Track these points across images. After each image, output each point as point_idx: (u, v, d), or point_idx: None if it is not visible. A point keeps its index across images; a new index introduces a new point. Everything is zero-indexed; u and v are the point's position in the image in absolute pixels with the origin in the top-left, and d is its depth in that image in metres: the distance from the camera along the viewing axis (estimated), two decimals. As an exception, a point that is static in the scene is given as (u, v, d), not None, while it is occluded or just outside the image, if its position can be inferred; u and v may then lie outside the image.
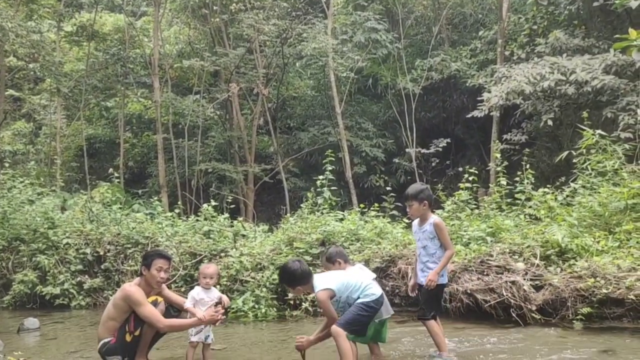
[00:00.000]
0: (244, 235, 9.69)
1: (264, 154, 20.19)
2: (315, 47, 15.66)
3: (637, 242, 6.95)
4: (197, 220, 10.09)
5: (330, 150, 10.17)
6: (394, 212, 11.80)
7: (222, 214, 10.60)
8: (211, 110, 16.65)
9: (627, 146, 8.99)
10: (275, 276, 7.95)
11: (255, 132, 18.55)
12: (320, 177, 9.83)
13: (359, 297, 4.54)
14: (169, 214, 10.77)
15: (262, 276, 7.99)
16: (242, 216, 14.93)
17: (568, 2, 13.92)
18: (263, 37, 15.62)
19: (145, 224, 9.84)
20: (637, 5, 9.70)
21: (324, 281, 4.59)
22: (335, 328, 4.40)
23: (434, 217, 5.15)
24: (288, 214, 11.60)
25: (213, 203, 10.31)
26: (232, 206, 11.13)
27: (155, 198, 12.70)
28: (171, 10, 19.55)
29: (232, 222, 10.10)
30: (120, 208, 10.97)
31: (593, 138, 8.78)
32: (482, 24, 18.59)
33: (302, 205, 10.11)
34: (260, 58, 17.48)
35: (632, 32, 9.22)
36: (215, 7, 16.38)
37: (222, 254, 8.77)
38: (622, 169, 8.48)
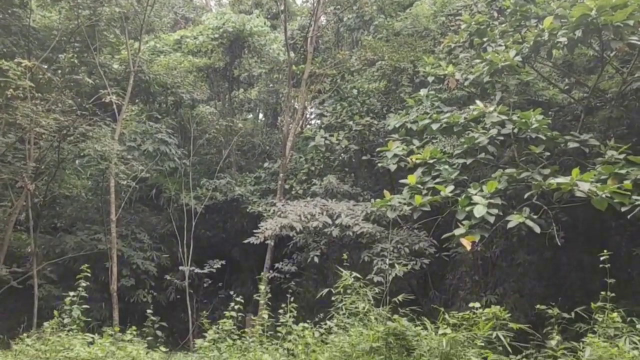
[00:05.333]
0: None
1: (17, 253, 17.78)
2: (98, 149, 14.91)
3: (377, 385, 7.46)
4: None
5: (85, 265, 9.36)
6: (158, 332, 11.12)
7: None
8: (-41, 200, 14.41)
9: (377, 290, 9.93)
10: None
11: (11, 228, 16.39)
12: (72, 293, 8.89)
13: None
14: None
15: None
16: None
17: (342, 150, 15.71)
18: (40, 129, 14.42)
19: None
20: (394, 168, 11.43)
21: None
22: None
23: None
24: (34, 322, 10.15)
25: None
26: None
27: None
28: None
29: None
30: None
31: (349, 280, 9.53)
32: (269, 155, 19.89)
33: (45, 323, 8.91)
34: (33, 150, 15.98)
35: (387, 194, 10.70)
36: (-12, 88, 14.83)
37: None
38: (371, 311, 9.27)
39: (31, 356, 7.59)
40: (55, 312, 8.84)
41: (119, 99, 15.96)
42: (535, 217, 8.95)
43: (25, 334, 8.70)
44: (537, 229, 8.69)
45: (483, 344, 7.16)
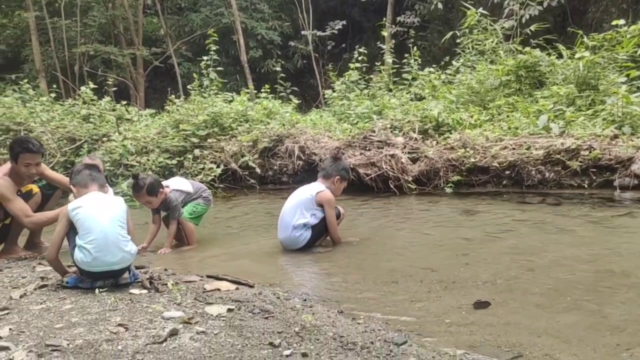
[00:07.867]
0: (128, 120, 9.27)
1: (153, 37, 18.92)
2: None
3: (507, 116, 7.42)
4: (75, 104, 9.45)
5: (212, 30, 9.69)
6: (291, 96, 11.72)
7: (108, 97, 10.02)
8: (88, -15, 15.10)
9: (506, 25, 9.30)
10: (162, 159, 7.79)
11: (141, 12, 17.21)
12: (205, 57, 9.42)
13: None
14: (44, 98, 9.98)
15: (148, 159, 7.77)
16: (132, 102, 14.23)
17: None
18: None
19: (15, 109, 9.06)
20: None
21: None
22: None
23: None
24: (180, 95, 11.15)
25: (92, 85, 9.63)
26: (115, 89, 10.48)
27: (31, 84, 11.64)
28: None
29: (114, 106, 9.58)
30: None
31: (475, 17, 8.97)
32: None
33: (188, 86, 9.73)
34: None
35: None
36: None
37: (104, 139, 8.38)
38: (499, 47, 8.83)
39: (182, 114, 8.47)
40: (195, 74, 9.55)
41: None
42: None
43: (172, 97, 9.64)
44: None
45: (627, 60, 6.59)
